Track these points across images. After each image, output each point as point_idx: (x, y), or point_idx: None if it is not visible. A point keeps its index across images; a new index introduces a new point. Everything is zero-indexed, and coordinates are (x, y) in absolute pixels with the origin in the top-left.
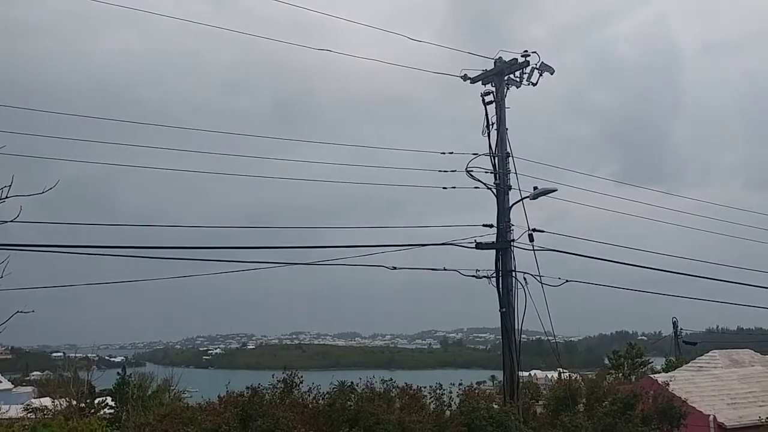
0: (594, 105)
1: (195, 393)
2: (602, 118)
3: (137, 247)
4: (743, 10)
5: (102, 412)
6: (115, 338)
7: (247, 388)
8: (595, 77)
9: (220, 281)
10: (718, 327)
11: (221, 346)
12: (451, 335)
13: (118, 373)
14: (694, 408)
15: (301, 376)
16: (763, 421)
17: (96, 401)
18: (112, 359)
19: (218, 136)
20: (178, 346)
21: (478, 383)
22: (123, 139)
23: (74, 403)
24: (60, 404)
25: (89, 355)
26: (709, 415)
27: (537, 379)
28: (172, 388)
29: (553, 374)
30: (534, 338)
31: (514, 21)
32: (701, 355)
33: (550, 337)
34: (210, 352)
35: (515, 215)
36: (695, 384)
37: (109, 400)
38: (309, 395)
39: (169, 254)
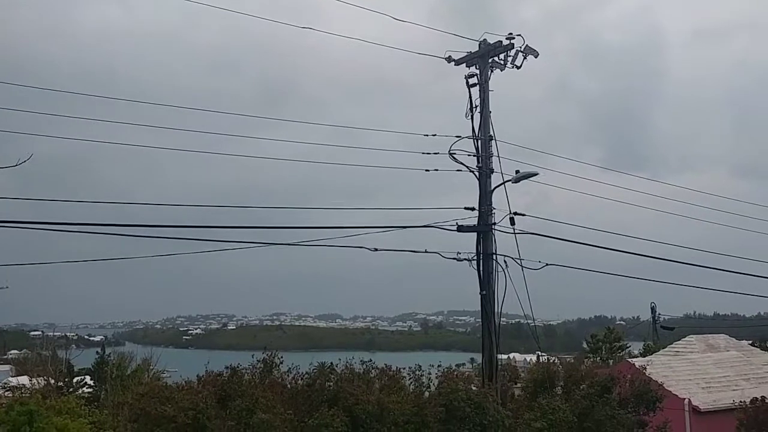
0: (581, 90)
1: (174, 373)
2: (589, 103)
3: (117, 225)
4: None
5: (80, 391)
6: (95, 317)
7: (226, 368)
8: (583, 62)
9: (201, 261)
10: (695, 312)
11: (201, 326)
12: (431, 318)
13: (97, 352)
14: (670, 392)
15: (281, 357)
16: (737, 404)
17: (74, 380)
18: (91, 338)
19: (200, 115)
20: (158, 326)
21: (458, 365)
22: (102, 115)
23: (52, 382)
24: (38, 383)
25: (68, 333)
26: (685, 399)
27: (516, 362)
28: (151, 367)
29: (532, 357)
30: (514, 321)
31: (506, 3)
32: (678, 340)
33: (529, 321)
34: (190, 332)
35: (497, 199)
36: (672, 368)
37: (87, 379)
38: (288, 375)
39: (149, 233)
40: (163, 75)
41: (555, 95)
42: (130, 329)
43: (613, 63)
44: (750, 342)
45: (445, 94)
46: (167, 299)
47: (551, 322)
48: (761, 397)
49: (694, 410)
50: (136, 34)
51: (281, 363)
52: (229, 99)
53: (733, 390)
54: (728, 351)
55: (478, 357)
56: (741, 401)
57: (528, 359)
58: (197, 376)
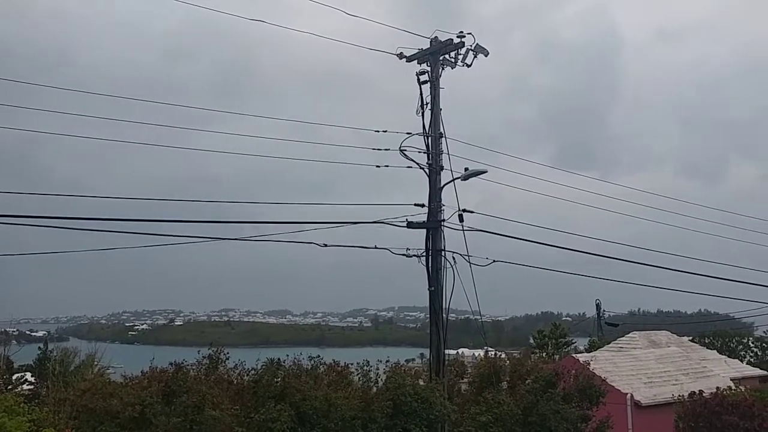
0: (538, 87)
1: (119, 368)
2: (545, 100)
3: (62, 218)
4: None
5: (20, 389)
6: (37, 312)
7: (170, 364)
8: (542, 59)
9: (147, 255)
10: (639, 309)
11: (148, 321)
12: (382, 313)
13: (39, 347)
14: (613, 386)
15: (227, 353)
16: (676, 398)
17: (14, 377)
18: (34, 334)
19: (153, 106)
20: (104, 321)
21: (407, 361)
22: (53, 105)
23: None
24: None
25: (8, 329)
26: (627, 394)
27: (464, 357)
28: (96, 363)
29: (480, 353)
30: (462, 317)
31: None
32: (622, 336)
33: (477, 317)
34: (136, 327)
35: (448, 196)
36: (615, 364)
37: (28, 376)
38: (235, 371)
39: (95, 226)
40: (117, 61)
41: (513, 92)
42: (75, 324)
43: (571, 61)
44: (690, 338)
45: (400, 90)
46: (113, 294)
47: (499, 318)
48: (699, 391)
49: (636, 405)
50: (90, 17)
51: (227, 359)
52: (184, 88)
53: (673, 384)
54: (669, 347)
55: (428, 352)
56: (680, 395)
57: (476, 354)
58: (141, 371)
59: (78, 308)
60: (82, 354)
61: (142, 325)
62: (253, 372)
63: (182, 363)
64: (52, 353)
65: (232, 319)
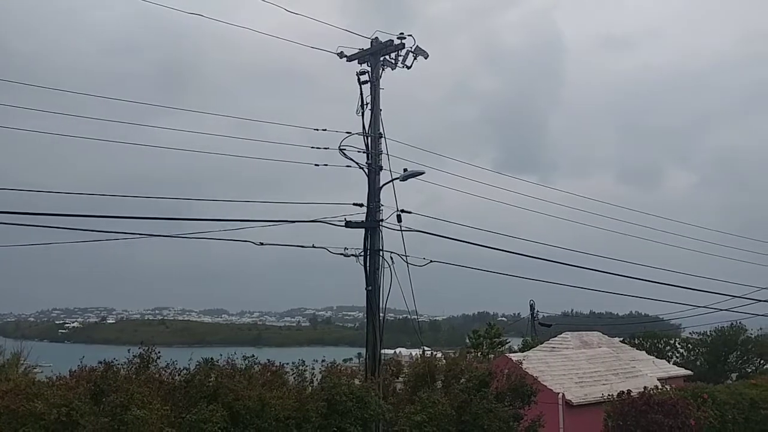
0: (482, 90)
1: (48, 368)
2: (489, 104)
3: None
4: (634, 7)
5: None
6: None
7: (100, 362)
8: (486, 63)
9: (79, 251)
10: (572, 311)
11: (79, 319)
12: (320, 313)
13: None
14: (545, 386)
15: (159, 352)
16: (605, 398)
17: None
18: None
19: (92, 99)
20: (32, 319)
21: (345, 360)
22: None
23: None
24: None
25: None
26: (558, 393)
27: (401, 356)
28: (21, 362)
29: (417, 352)
30: (400, 317)
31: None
32: (555, 337)
33: (414, 316)
34: (67, 325)
35: (387, 196)
36: (547, 363)
37: None
38: (166, 371)
39: (22, 220)
40: (59, 53)
41: (457, 95)
42: (0, 322)
43: (514, 65)
44: (621, 339)
45: (344, 88)
46: (42, 290)
47: (437, 318)
48: (627, 390)
49: (567, 404)
50: (27, 3)
51: (159, 358)
52: (126, 81)
53: (603, 384)
54: (600, 347)
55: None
56: (609, 395)
57: (413, 354)
58: (70, 371)
59: (3, 305)
60: (6, 353)
61: (73, 323)
62: (185, 371)
63: (113, 362)
64: None
65: (166, 318)
